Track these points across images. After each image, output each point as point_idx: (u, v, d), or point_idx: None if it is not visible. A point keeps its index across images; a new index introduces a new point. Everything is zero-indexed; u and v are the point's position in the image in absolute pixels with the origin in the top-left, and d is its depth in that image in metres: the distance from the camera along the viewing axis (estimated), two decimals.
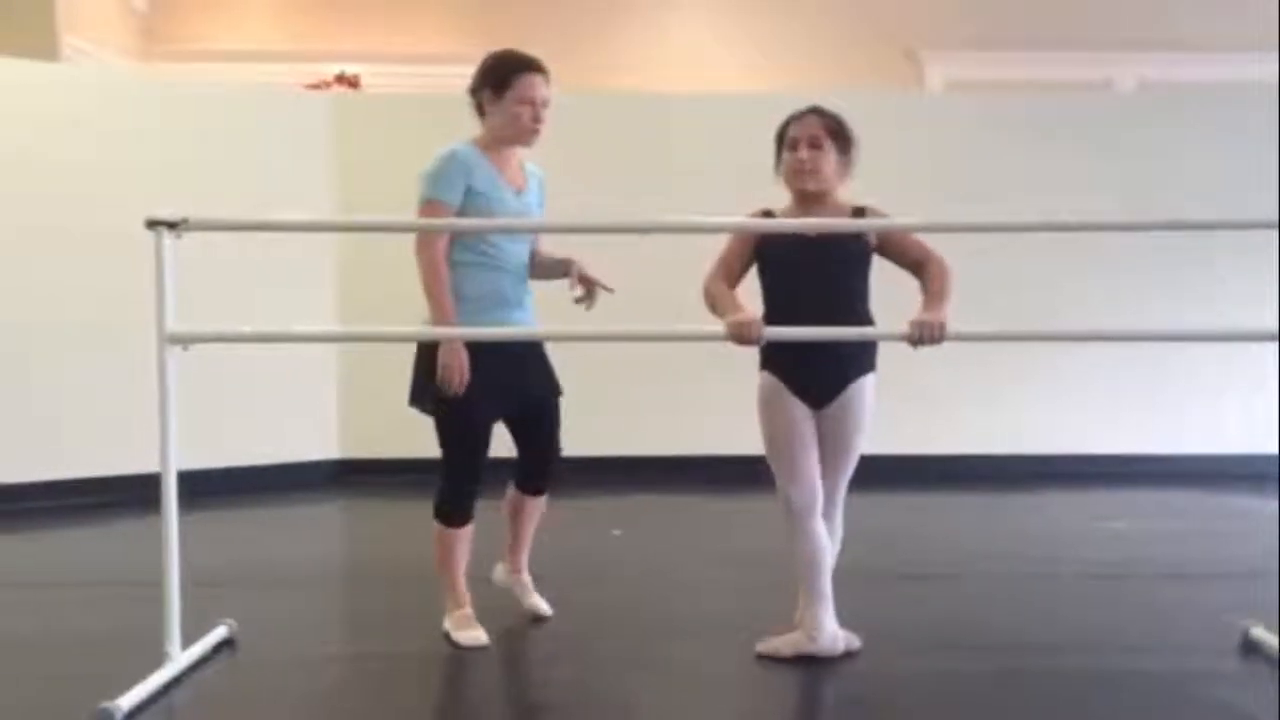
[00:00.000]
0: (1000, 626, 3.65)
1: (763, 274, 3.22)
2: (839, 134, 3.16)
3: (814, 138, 3.14)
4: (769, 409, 3.19)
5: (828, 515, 3.20)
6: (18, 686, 3.06)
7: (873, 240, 3.15)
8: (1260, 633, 3.29)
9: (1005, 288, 5.78)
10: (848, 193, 3.24)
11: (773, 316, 3.11)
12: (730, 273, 3.21)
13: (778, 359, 3.17)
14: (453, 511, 3.36)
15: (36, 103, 5.66)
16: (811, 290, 3.13)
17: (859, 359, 3.15)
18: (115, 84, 6.13)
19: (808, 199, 3.18)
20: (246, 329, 4.75)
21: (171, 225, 2.95)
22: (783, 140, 3.20)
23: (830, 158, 3.14)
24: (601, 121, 6.32)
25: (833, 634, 3.17)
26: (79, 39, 7.58)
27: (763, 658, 3.20)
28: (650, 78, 8.39)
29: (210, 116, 6.00)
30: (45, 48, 7.13)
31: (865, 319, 3.15)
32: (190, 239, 3.02)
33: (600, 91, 7.55)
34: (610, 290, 3.43)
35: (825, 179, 3.15)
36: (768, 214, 3.24)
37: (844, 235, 3.13)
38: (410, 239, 3.34)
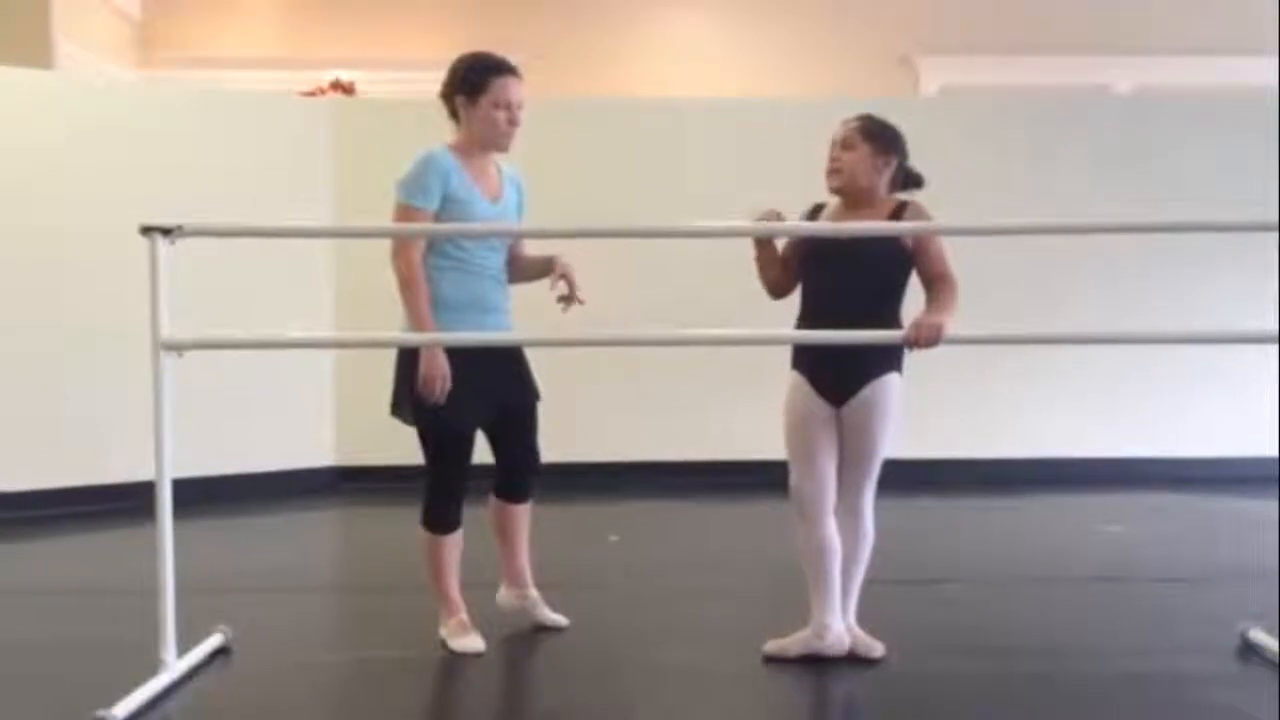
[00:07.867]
0: (997, 630, 3.64)
1: (801, 272, 3.26)
2: (875, 135, 3.20)
3: (847, 139, 3.20)
4: (790, 404, 3.23)
5: (848, 515, 3.20)
6: (13, 693, 3.04)
7: (909, 242, 3.16)
8: (1260, 635, 3.28)
9: (1003, 291, 5.78)
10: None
11: (805, 315, 3.23)
12: (787, 267, 3.29)
13: (803, 357, 3.24)
14: (440, 519, 3.35)
15: (33, 110, 5.63)
16: (837, 289, 3.16)
17: (879, 358, 3.16)
18: (112, 91, 6.11)
19: (847, 199, 3.23)
20: (241, 334, 4.75)
21: (166, 231, 2.94)
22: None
23: (862, 158, 3.18)
24: (597, 124, 6.30)
25: (839, 632, 3.16)
26: (74, 46, 7.57)
27: (771, 658, 3.20)
28: (644, 83, 8.39)
29: (210, 122, 5.98)
30: (40, 55, 7.13)
31: (887, 321, 3.15)
32: (189, 245, 3.01)
33: (592, 95, 7.55)
34: (581, 302, 3.40)
35: (852, 178, 3.19)
36: (817, 209, 3.31)
37: (877, 236, 3.15)
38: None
